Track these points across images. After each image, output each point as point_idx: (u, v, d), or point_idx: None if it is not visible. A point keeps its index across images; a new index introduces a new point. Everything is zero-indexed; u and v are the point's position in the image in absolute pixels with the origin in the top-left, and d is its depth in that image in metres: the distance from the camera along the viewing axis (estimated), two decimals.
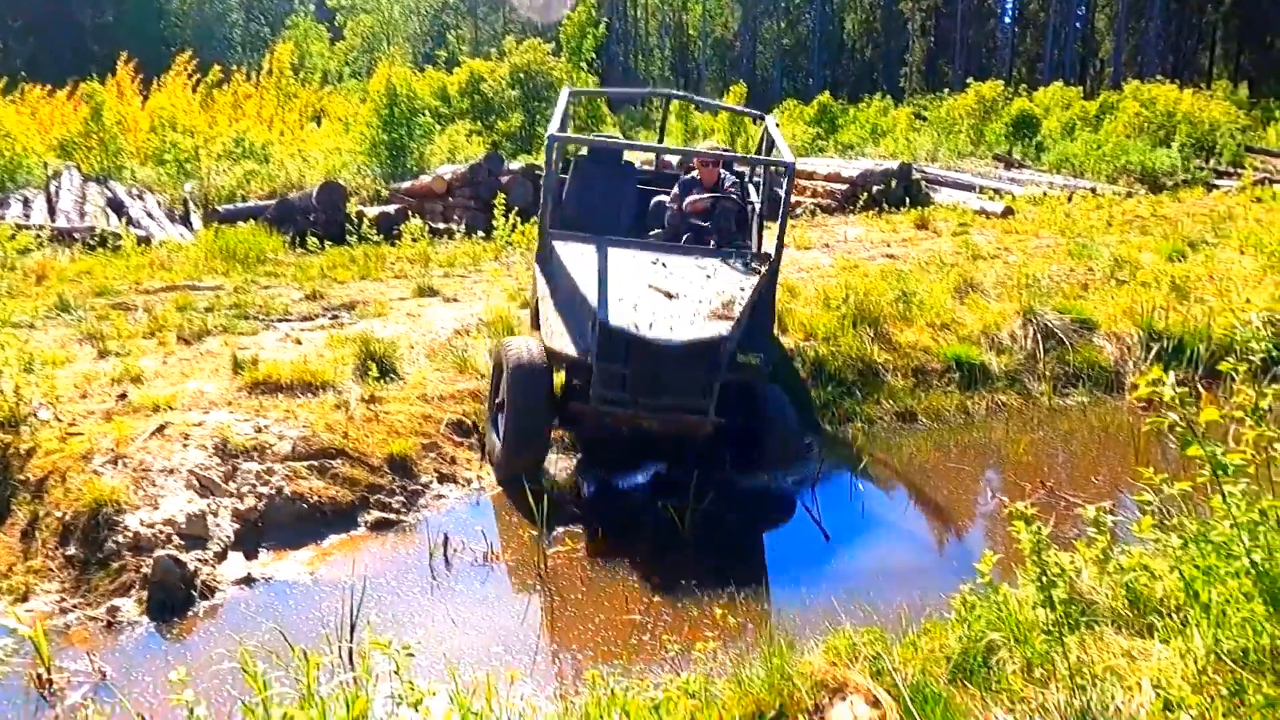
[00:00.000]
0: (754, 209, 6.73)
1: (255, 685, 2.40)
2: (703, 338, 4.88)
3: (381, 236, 11.44)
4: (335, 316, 8.47)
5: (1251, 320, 6.92)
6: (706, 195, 6.41)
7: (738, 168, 7.34)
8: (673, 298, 5.13)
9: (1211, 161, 20.24)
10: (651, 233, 6.74)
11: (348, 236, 11.15)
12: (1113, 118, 23.52)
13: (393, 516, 5.10)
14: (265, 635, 3.44)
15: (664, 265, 5.48)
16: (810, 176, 16.60)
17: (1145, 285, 8.75)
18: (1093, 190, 16.46)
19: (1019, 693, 2.77)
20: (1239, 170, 17.96)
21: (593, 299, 5.04)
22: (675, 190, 6.69)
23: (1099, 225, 12.50)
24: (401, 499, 5.24)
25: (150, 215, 13.56)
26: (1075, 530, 4.32)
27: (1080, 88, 30.61)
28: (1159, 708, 2.60)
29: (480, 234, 11.56)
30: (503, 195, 11.36)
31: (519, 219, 11.14)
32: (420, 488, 5.39)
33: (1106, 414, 7.17)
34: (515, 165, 14.24)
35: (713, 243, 6.19)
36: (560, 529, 5.00)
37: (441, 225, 12.98)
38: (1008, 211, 14.37)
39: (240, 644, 2.56)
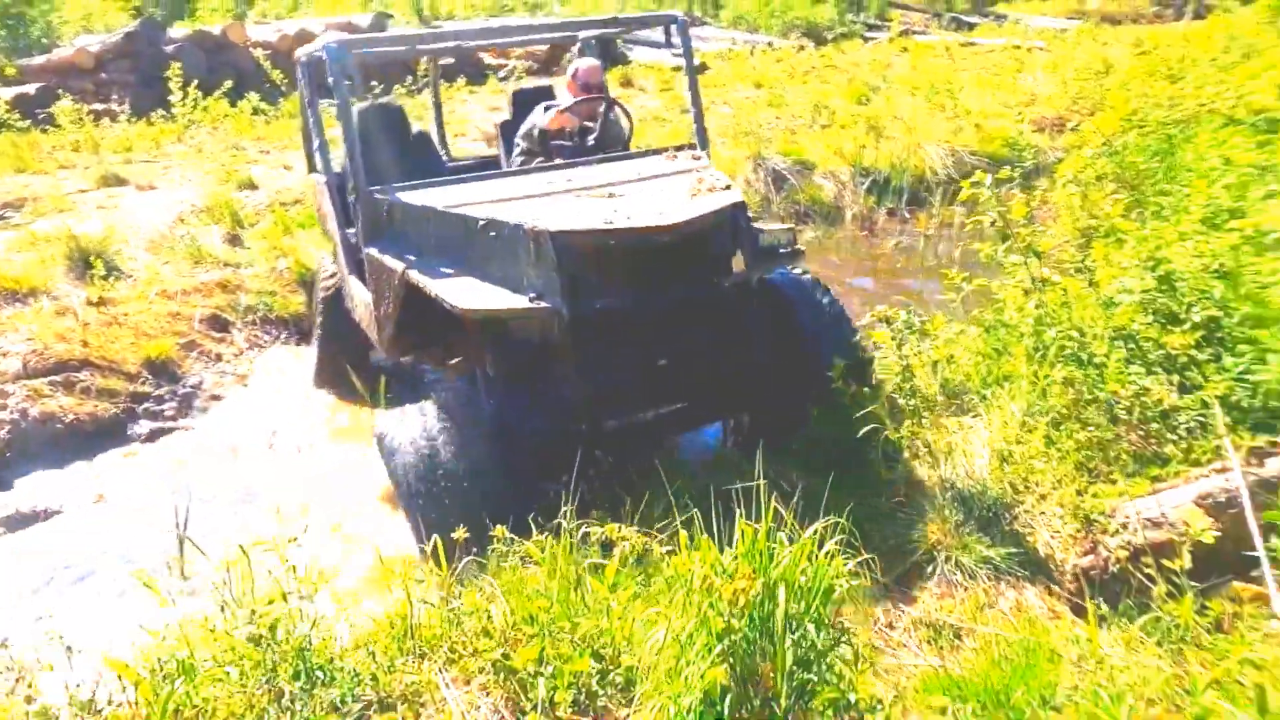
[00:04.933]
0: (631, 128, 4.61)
1: None
2: (715, 208, 3.17)
3: (28, 122, 9.66)
4: (2, 217, 7.14)
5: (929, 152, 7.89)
6: (580, 100, 4.19)
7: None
8: (619, 197, 3.40)
9: (862, 15, 22.19)
10: None
11: None
12: None
13: (168, 424, 4.53)
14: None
15: (568, 180, 3.61)
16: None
17: (844, 128, 9.57)
18: (770, 45, 17.50)
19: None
20: (886, 23, 19.87)
21: (521, 214, 3.14)
22: (529, 122, 4.36)
23: (783, 77, 13.36)
24: (173, 404, 4.66)
25: None
26: None
27: None
28: (997, 465, 3.05)
29: (161, 112, 10.09)
30: (178, 66, 9.94)
31: (200, 94, 9.87)
32: (191, 390, 4.82)
33: (840, 242, 7.86)
34: (181, 32, 12.45)
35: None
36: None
37: (100, 106, 11.16)
38: (702, 68, 14.92)
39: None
